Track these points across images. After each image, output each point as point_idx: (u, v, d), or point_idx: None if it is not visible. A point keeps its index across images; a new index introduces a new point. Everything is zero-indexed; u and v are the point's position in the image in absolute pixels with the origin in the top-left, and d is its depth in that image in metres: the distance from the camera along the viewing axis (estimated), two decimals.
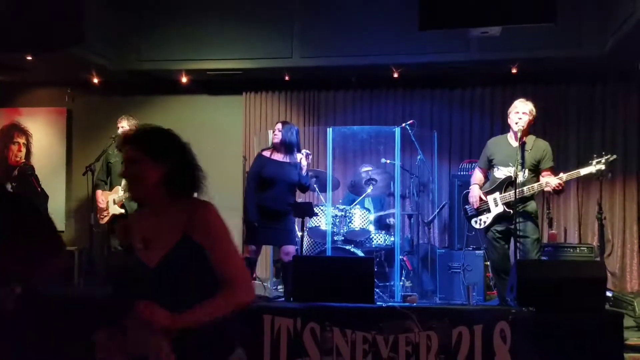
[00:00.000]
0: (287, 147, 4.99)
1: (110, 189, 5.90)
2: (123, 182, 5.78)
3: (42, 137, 7.75)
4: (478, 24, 4.22)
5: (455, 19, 4.15)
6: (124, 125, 5.96)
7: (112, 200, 5.80)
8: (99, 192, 5.91)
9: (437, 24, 4.22)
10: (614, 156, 4.52)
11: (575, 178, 4.67)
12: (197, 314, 1.93)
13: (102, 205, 5.81)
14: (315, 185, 5.89)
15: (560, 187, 4.50)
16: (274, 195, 4.90)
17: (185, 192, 2.10)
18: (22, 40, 4.91)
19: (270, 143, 5.23)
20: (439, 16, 4.14)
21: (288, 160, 5.02)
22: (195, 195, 2.14)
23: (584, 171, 4.51)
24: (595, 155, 4.55)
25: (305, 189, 5.16)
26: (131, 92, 7.74)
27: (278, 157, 5.03)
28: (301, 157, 5.00)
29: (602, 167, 4.46)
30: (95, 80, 7.37)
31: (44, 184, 7.54)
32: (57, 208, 7.72)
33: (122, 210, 5.77)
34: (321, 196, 6.00)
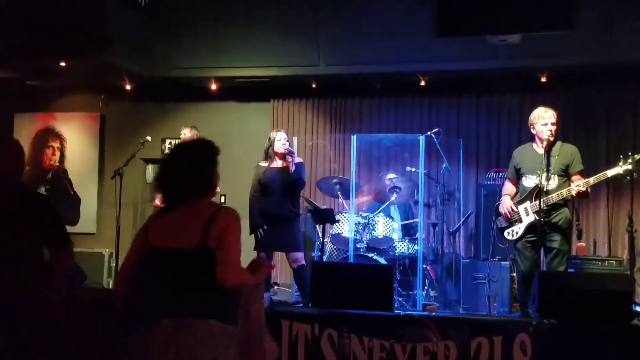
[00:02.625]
0: (286, 155, 5.18)
1: None
2: None
3: (75, 141, 7.96)
4: (496, 31, 4.20)
5: (474, 26, 4.15)
6: (186, 132, 6.27)
7: None
8: (159, 194, 6.03)
9: (455, 31, 4.22)
10: None
11: (603, 180, 4.51)
12: None
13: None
14: (339, 192, 5.92)
15: (583, 192, 4.40)
16: (275, 201, 5.07)
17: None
18: (49, 47, 5.09)
19: (265, 152, 5.30)
20: (457, 23, 4.14)
21: (283, 166, 5.18)
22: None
23: (611, 172, 4.38)
24: (621, 156, 4.41)
25: (296, 183, 5.16)
26: (162, 99, 7.91)
27: (275, 165, 5.22)
28: (288, 159, 5.12)
29: (630, 167, 4.31)
30: (128, 87, 7.55)
31: (77, 188, 7.74)
32: (89, 211, 7.93)
33: None
34: (345, 203, 6.02)
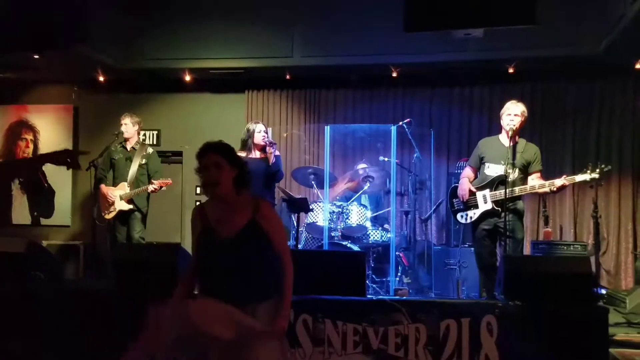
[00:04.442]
0: (264, 147, 5.19)
1: (114, 185, 5.90)
2: (129, 178, 5.86)
3: (49, 133, 7.91)
4: (460, 26, 4.36)
5: (439, 21, 4.31)
6: (127, 122, 6.04)
7: (118, 197, 5.82)
8: (103, 186, 5.91)
9: (421, 26, 4.37)
10: (609, 166, 4.64)
11: (570, 176, 4.74)
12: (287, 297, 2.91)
13: (112, 198, 5.81)
14: (313, 182, 6.01)
15: (561, 188, 4.63)
16: (254, 191, 5.01)
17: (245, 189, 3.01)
18: (25, 40, 5.06)
19: (243, 143, 5.28)
20: (423, 18, 4.29)
21: (260, 157, 5.20)
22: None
23: (579, 178, 4.62)
24: (590, 164, 4.63)
25: (275, 175, 5.21)
26: (136, 90, 7.89)
27: (253, 155, 5.21)
28: (269, 150, 5.13)
29: (597, 176, 4.56)
30: (101, 79, 7.52)
31: (51, 180, 7.77)
32: (63, 203, 7.90)
33: (130, 206, 5.81)
34: (319, 192, 6.13)
